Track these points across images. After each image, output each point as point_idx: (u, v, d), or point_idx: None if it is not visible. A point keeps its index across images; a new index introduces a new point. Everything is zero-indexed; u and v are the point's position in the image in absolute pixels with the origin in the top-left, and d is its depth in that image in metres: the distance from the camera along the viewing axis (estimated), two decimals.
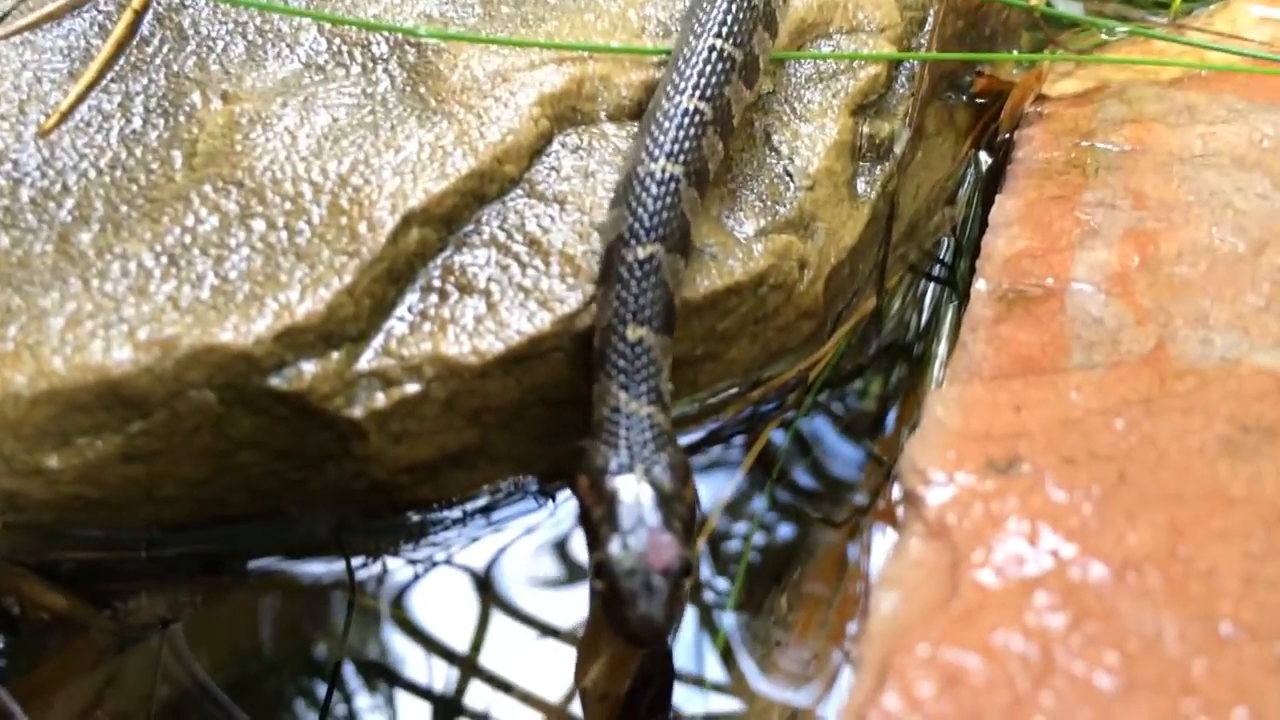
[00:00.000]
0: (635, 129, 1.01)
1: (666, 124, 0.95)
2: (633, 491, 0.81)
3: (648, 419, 0.85)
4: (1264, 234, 1.00)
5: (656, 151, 0.94)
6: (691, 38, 1.00)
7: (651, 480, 0.81)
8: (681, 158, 0.94)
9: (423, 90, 1.01)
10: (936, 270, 1.15)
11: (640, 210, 0.91)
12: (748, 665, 0.87)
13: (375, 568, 0.93)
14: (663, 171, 0.93)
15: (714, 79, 0.97)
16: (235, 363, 0.85)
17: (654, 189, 0.92)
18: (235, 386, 0.86)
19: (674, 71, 0.98)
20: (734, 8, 1.00)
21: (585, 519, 0.82)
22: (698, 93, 0.96)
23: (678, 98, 0.96)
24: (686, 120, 0.95)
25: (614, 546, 0.77)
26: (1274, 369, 0.87)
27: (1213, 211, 1.04)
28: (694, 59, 0.98)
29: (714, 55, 0.98)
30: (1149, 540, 0.74)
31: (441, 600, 0.91)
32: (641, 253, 0.90)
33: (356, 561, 0.93)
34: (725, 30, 0.99)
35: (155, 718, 0.84)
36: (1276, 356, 0.89)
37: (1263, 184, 1.06)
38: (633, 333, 0.88)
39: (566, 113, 1.02)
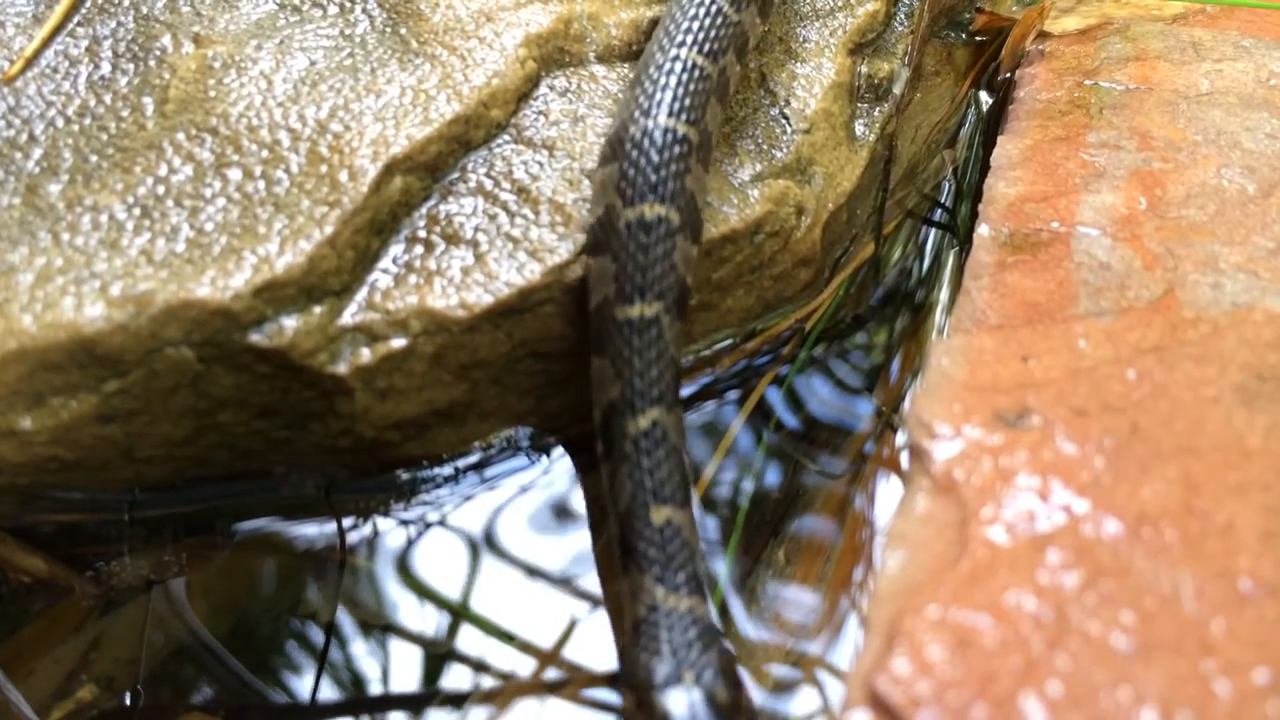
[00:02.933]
0: (627, 70, 0.97)
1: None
2: (685, 706, 0.73)
3: (689, 615, 0.77)
4: (1273, 175, 0.97)
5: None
6: None
7: (704, 689, 0.73)
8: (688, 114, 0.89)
9: (404, 31, 0.97)
10: (937, 215, 1.12)
11: (637, 380, 0.84)
12: (743, 616, 0.85)
13: (366, 527, 0.90)
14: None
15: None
16: (213, 319, 0.82)
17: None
18: (214, 343, 0.83)
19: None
20: None
21: None
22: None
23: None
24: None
25: None
26: None
27: (1220, 152, 1.01)
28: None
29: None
30: (1164, 494, 0.71)
31: (434, 558, 0.89)
32: (644, 423, 0.82)
33: (347, 522, 0.90)
34: None
35: (143, 681, 0.83)
36: None
37: (1271, 123, 1.03)
38: (658, 515, 0.80)
39: (554, 54, 0.98)
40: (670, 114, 0.88)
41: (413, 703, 0.83)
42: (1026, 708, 0.62)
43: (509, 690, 0.82)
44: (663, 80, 0.89)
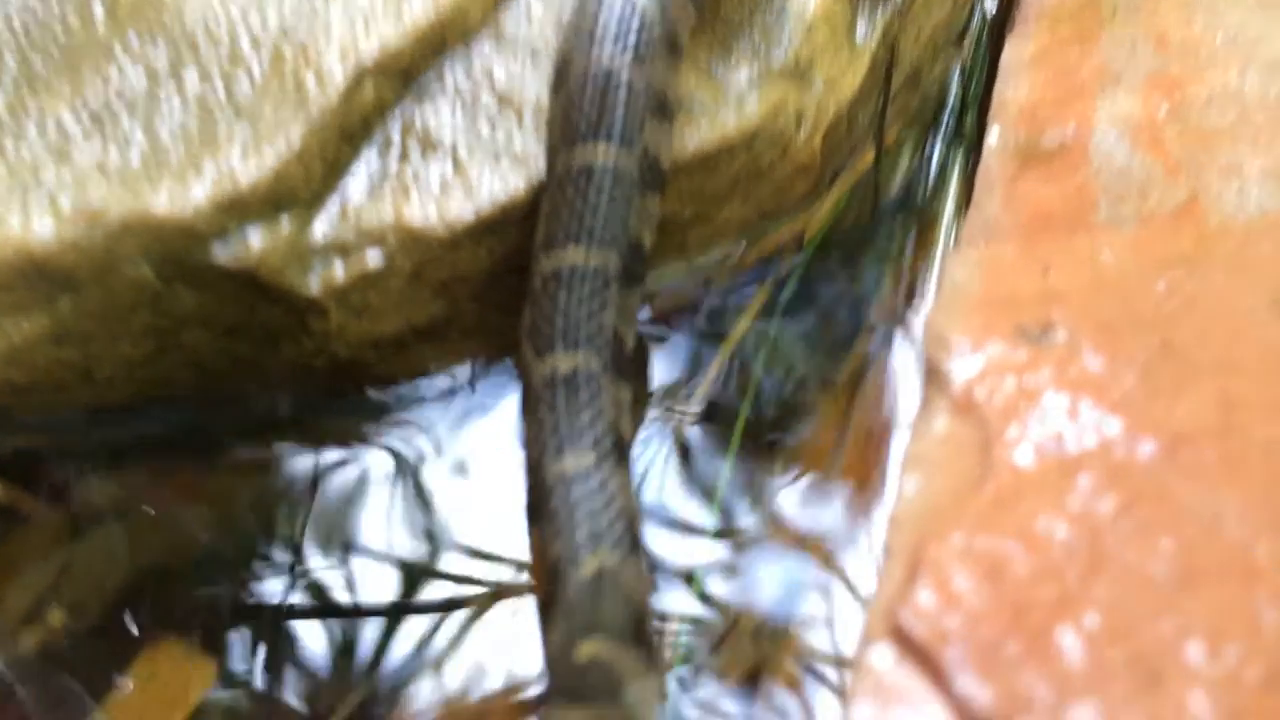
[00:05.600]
0: None
1: None
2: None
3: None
4: None
5: None
6: None
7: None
8: None
9: None
10: (942, 122, 1.07)
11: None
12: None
13: (343, 449, 0.86)
14: None
15: None
16: (173, 234, 0.77)
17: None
18: (174, 260, 0.78)
19: None
20: None
21: None
22: None
23: None
24: None
25: None
26: None
27: (1241, 53, 0.96)
28: None
29: None
30: (1200, 412, 0.67)
31: (415, 480, 0.85)
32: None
33: (323, 445, 0.86)
34: None
35: (114, 605, 0.80)
36: None
37: None
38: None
39: None
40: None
41: (390, 611, 0.80)
42: (1063, 642, 0.58)
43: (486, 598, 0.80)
44: None
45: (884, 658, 0.58)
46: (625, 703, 0.63)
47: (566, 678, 0.66)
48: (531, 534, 0.78)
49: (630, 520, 0.74)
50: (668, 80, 0.85)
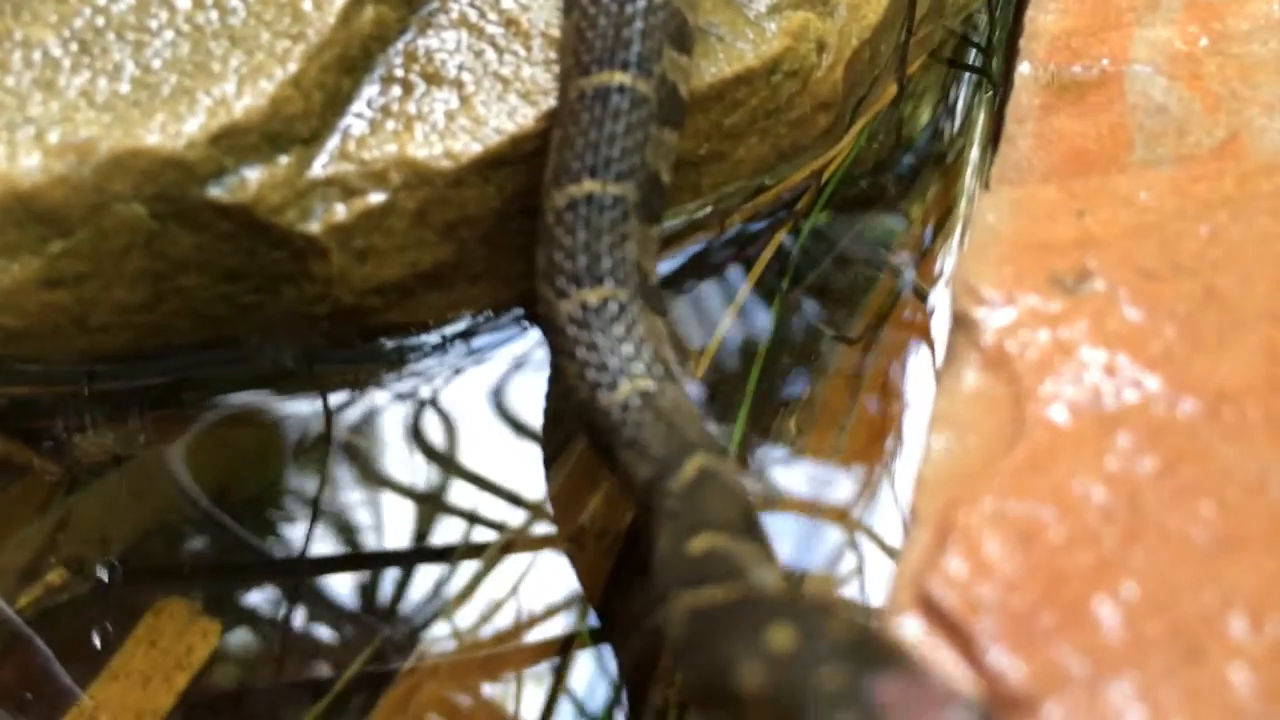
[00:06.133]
0: None
1: None
2: None
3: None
4: None
5: None
6: None
7: None
8: None
9: None
10: (967, 55, 1.02)
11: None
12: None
13: (349, 399, 0.84)
14: None
15: None
16: (166, 170, 0.74)
17: None
18: (168, 198, 0.75)
19: None
20: None
21: None
22: None
23: None
24: None
25: None
26: None
27: None
28: None
29: None
30: (1245, 367, 0.64)
31: (422, 431, 0.83)
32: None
33: (329, 395, 0.84)
34: None
35: (115, 562, 0.77)
36: None
37: None
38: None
39: None
40: None
41: (402, 558, 0.78)
42: (1101, 613, 0.55)
43: (498, 545, 0.78)
44: None
45: (912, 629, 0.56)
46: (753, 582, 0.59)
47: (685, 571, 0.61)
48: (610, 470, 0.73)
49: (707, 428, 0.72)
50: (689, 3, 0.80)
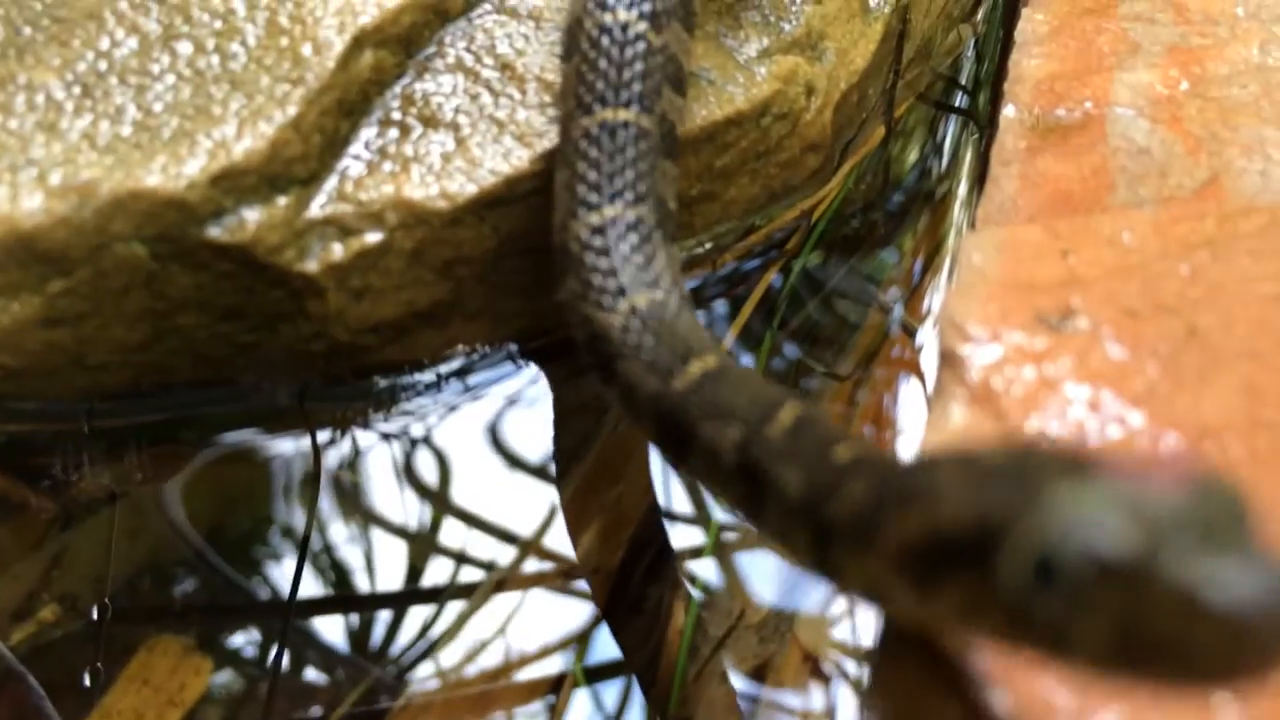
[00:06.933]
0: None
1: None
2: None
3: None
4: None
5: None
6: None
7: None
8: None
9: None
10: (954, 97, 1.04)
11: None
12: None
13: (343, 438, 0.84)
14: None
15: None
16: (166, 211, 0.75)
17: None
18: (168, 239, 0.75)
19: None
20: None
21: None
22: None
23: None
24: None
25: None
26: None
27: (1263, 26, 0.93)
28: None
29: None
30: (1227, 404, 0.65)
31: (415, 470, 0.84)
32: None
33: (322, 433, 0.84)
34: None
35: (109, 600, 0.77)
36: None
37: None
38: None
39: None
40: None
41: (394, 598, 0.79)
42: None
43: (490, 583, 0.78)
44: None
45: None
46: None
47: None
48: (683, 468, 0.72)
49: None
50: (683, 48, 0.82)
